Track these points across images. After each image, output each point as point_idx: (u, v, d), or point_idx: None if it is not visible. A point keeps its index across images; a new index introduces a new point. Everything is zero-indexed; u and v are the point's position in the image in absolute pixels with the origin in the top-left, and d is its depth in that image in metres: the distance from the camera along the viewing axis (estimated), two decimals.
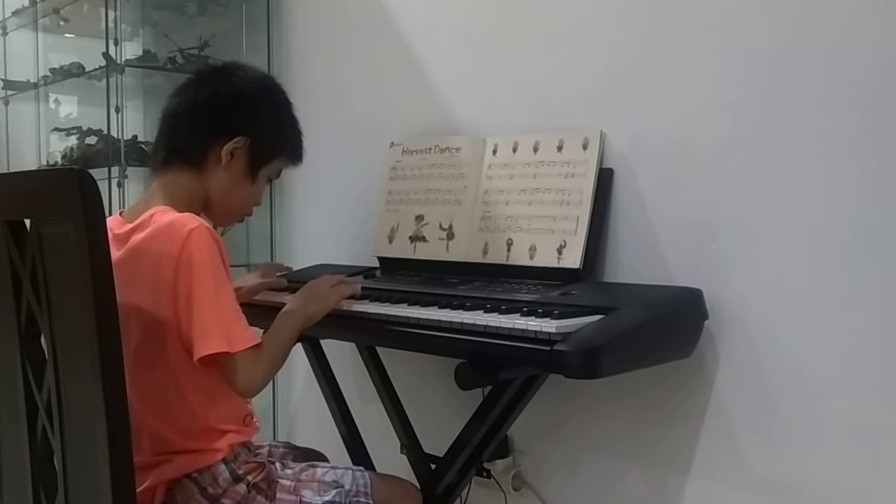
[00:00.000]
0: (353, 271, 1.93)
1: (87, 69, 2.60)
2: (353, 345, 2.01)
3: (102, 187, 2.11)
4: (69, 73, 2.76)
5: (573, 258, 1.61)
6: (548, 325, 1.31)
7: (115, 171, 2.34)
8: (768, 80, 1.47)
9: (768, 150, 1.47)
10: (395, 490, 1.59)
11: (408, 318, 1.51)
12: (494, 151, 1.80)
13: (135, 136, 2.45)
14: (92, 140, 2.59)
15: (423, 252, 1.87)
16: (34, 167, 2.91)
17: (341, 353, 2.06)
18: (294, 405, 2.55)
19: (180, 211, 1.43)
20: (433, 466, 1.75)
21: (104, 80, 2.36)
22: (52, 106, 3.11)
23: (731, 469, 1.54)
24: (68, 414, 1.17)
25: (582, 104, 1.73)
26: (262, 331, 1.47)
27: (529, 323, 1.33)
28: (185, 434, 1.41)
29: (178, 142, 1.51)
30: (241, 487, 1.42)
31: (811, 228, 1.42)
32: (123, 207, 1.92)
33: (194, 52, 2.56)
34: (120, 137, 2.36)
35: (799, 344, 1.44)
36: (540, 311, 1.38)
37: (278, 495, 1.45)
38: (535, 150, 1.73)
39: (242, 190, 1.54)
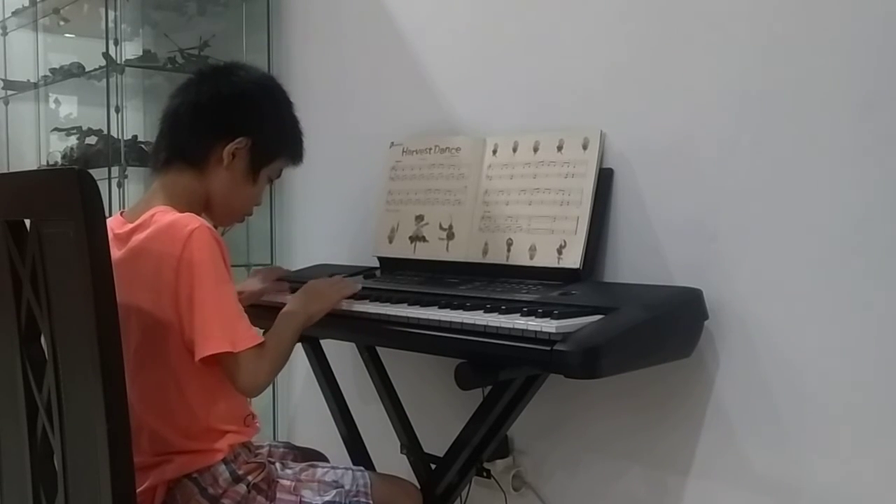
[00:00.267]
0: (353, 271, 1.93)
1: (87, 69, 2.60)
2: (353, 345, 2.01)
3: (102, 187, 2.10)
4: (69, 73, 2.76)
5: (573, 258, 1.61)
6: (548, 325, 1.31)
7: (115, 171, 2.34)
8: (768, 80, 1.47)
9: (768, 149, 1.47)
10: (395, 490, 1.59)
11: (408, 318, 1.51)
12: (494, 151, 1.80)
13: (135, 136, 2.45)
14: (92, 140, 2.59)
15: (423, 252, 1.87)
16: (34, 167, 2.91)
17: (341, 353, 2.06)
18: (294, 405, 2.55)
19: (181, 211, 1.43)
20: (433, 466, 1.75)
21: (104, 80, 2.36)
22: (52, 106, 3.11)
23: (731, 469, 1.54)
24: (68, 414, 1.17)
25: (582, 104, 1.73)
26: (262, 331, 1.47)
27: (529, 323, 1.34)
28: (186, 434, 1.42)
29: (179, 142, 1.51)
30: (242, 487, 1.42)
31: (811, 228, 1.42)
32: (124, 207, 1.92)
33: (194, 52, 2.55)
34: (120, 137, 2.36)
35: (799, 344, 1.44)
36: (540, 311, 1.38)
37: (278, 495, 1.45)
38: (535, 150, 1.73)
39: (243, 190, 1.54)
